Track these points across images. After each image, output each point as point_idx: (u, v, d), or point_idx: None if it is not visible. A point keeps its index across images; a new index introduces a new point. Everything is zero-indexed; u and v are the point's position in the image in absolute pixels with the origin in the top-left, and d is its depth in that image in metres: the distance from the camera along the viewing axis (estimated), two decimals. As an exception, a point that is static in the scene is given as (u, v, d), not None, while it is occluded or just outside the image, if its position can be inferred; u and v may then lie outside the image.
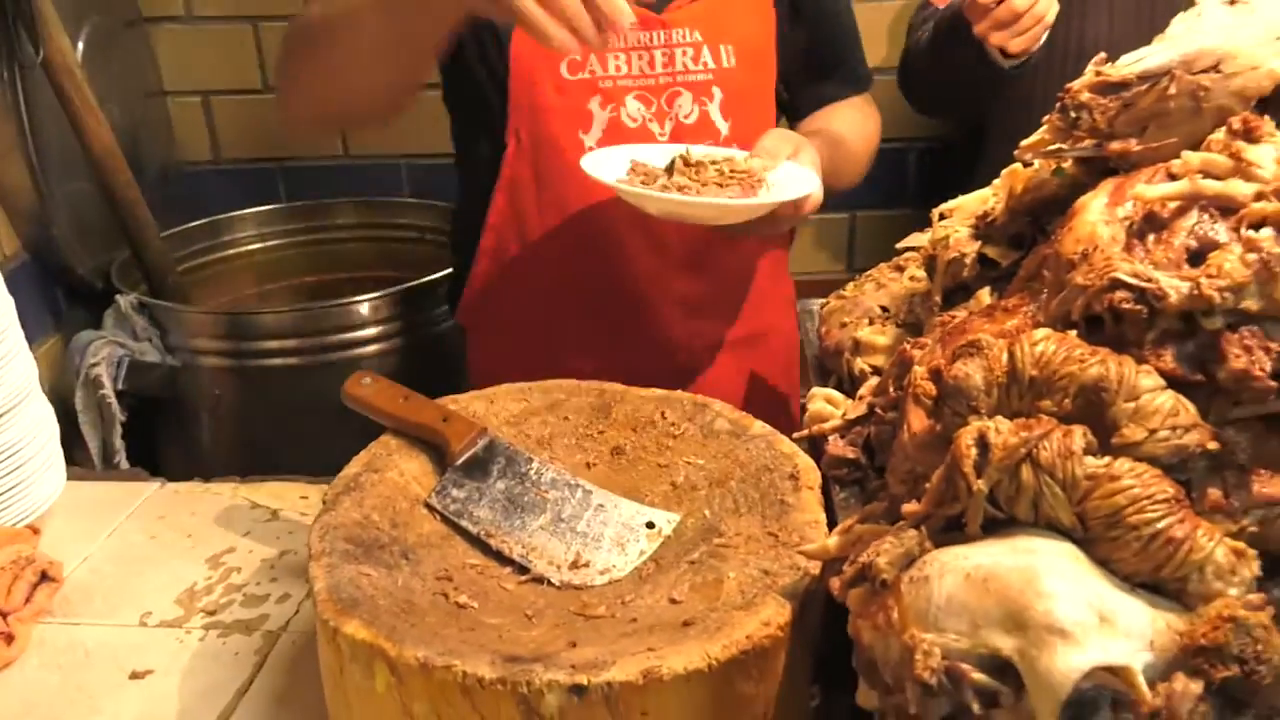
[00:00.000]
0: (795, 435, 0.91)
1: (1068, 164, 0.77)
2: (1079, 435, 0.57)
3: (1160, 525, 0.55)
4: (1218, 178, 0.64)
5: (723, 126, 1.32)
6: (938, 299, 0.88)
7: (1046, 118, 0.74)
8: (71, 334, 1.72)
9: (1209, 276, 0.59)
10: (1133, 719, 0.51)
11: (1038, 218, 0.83)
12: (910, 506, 0.63)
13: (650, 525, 0.86)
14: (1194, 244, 0.63)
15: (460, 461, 0.89)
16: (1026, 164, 0.82)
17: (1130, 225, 0.65)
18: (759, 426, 0.93)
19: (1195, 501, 0.58)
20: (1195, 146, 0.69)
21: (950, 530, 0.60)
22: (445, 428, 0.91)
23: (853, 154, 1.41)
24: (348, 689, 0.72)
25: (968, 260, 0.85)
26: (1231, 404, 0.59)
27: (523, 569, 0.83)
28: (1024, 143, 0.76)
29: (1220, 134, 0.67)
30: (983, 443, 0.59)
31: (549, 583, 0.81)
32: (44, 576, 0.98)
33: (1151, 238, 0.64)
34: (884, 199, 2.22)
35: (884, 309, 1.02)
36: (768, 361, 1.49)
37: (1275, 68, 0.68)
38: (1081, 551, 0.56)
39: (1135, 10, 1.69)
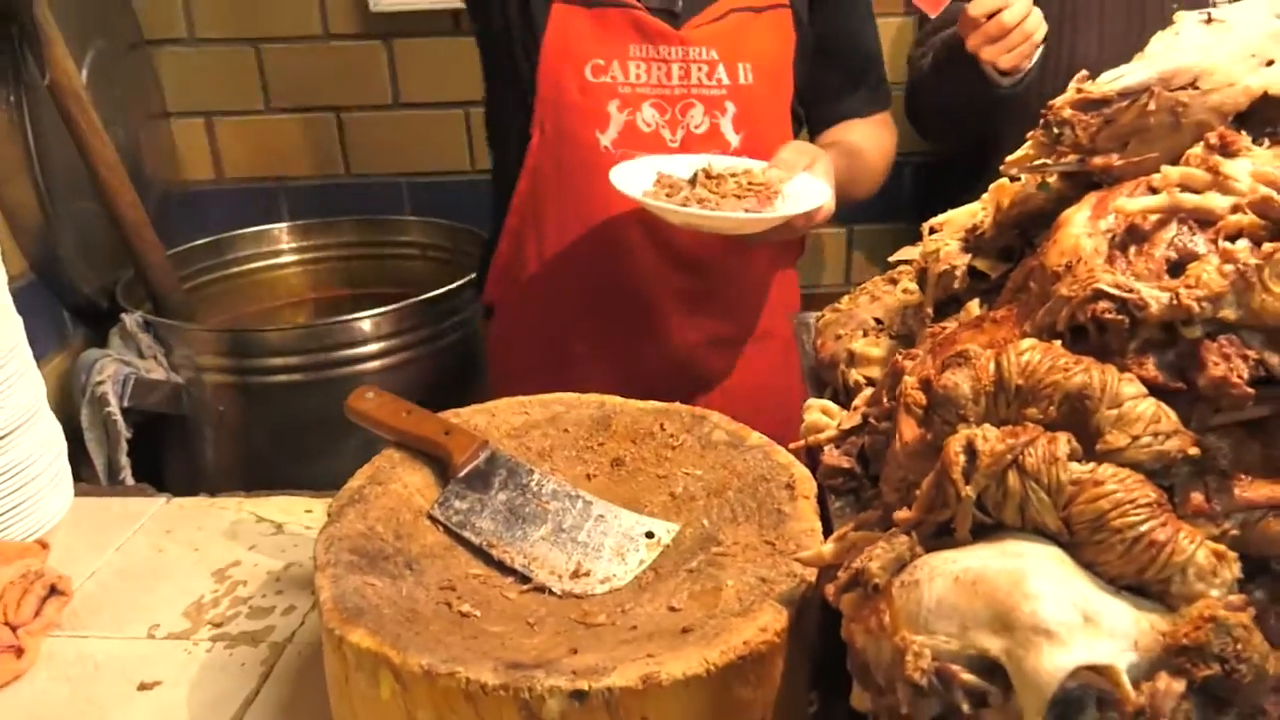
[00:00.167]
0: (791, 446, 0.93)
1: (1052, 178, 0.79)
2: (1063, 442, 0.59)
3: (1143, 529, 0.56)
4: (1196, 191, 0.66)
5: (733, 139, 1.41)
6: (929, 311, 0.90)
7: (1031, 134, 0.76)
8: (77, 352, 1.73)
9: (1188, 287, 0.61)
10: (1118, 718, 0.53)
11: (1025, 231, 0.85)
12: (902, 513, 0.64)
13: (650, 535, 0.87)
14: (1174, 255, 0.65)
15: (462, 474, 0.91)
16: (1013, 179, 0.84)
17: (1112, 238, 0.67)
18: (756, 437, 0.95)
19: (1178, 506, 0.60)
20: (1175, 161, 0.70)
21: (940, 536, 0.62)
22: (447, 441, 0.92)
23: (869, 167, 1.50)
24: (353, 697, 0.74)
25: (958, 273, 0.87)
26: (1212, 411, 0.61)
27: (524, 578, 0.84)
28: (1009, 158, 0.78)
29: (1199, 149, 0.69)
30: (971, 450, 0.60)
31: (550, 592, 0.83)
32: (53, 590, 0.99)
33: (1133, 250, 0.66)
34: (880, 213, 2.24)
35: (878, 321, 1.03)
36: (767, 362, 1.55)
37: (1251, 84, 0.70)
38: (1067, 555, 0.58)
39: (1125, 28, 1.73)
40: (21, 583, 0.97)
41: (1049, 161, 0.75)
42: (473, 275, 1.82)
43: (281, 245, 2.18)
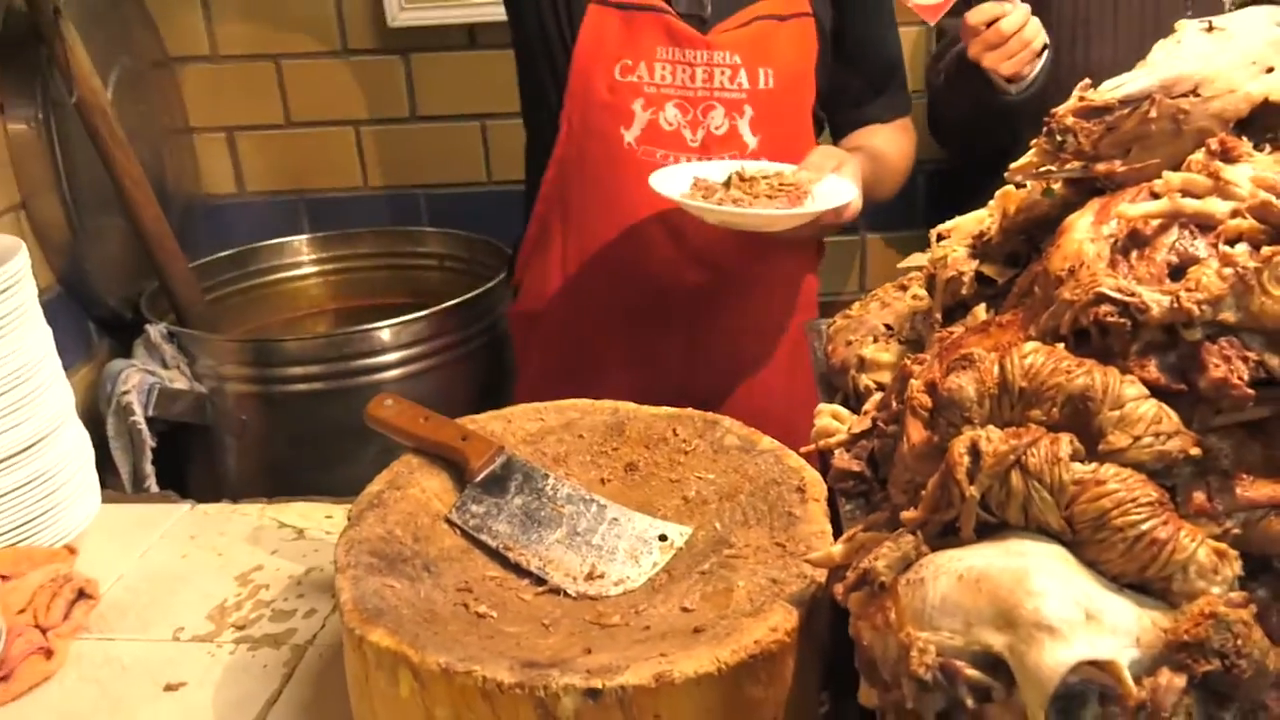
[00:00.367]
0: (803, 450, 0.94)
1: (1057, 185, 0.80)
2: (1066, 442, 0.60)
3: (1144, 527, 0.57)
4: (1197, 196, 0.67)
5: (751, 140, 1.48)
6: (938, 316, 0.91)
7: (1035, 141, 0.78)
8: (103, 363, 1.77)
9: (1188, 290, 0.62)
10: (1119, 712, 0.54)
11: (1032, 236, 0.86)
12: (908, 513, 0.66)
13: (663, 538, 0.89)
14: (1175, 259, 0.66)
15: (479, 478, 0.93)
16: (1019, 185, 0.85)
17: (1115, 242, 0.68)
18: (767, 442, 0.96)
19: (1180, 505, 0.61)
20: (1177, 167, 0.72)
21: (946, 535, 0.63)
22: (464, 446, 0.94)
23: (891, 170, 1.57)
24: (373, 695, 0.76)
25: (965, 278, 0.88)
26: (1213, 412, 0.62)
27: (540, 580, 0.86)
28: (1014, 165, 0.79)
29: (1200, 155, 0.70)
30: (975, 451, 0.62)
31: (565, 594, 0.85)
32: (81, 594, 1.02)
33: (1135, 254, 0.67)
34: (895, 220, 2.26)
35: (888, 327, 1.05)
36: (776, 358, 1.62)
37: (1251, 91, 0.71)
38: (1070, 553, 0.59)
39: (1139, 35, 1.74)
40: (51, 586, 1.00)
41: (1053, 168, 0.76)
42: (490, 285, 1.85)
43: (302, 257, 2.21)
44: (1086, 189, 0.78)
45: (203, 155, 2.29)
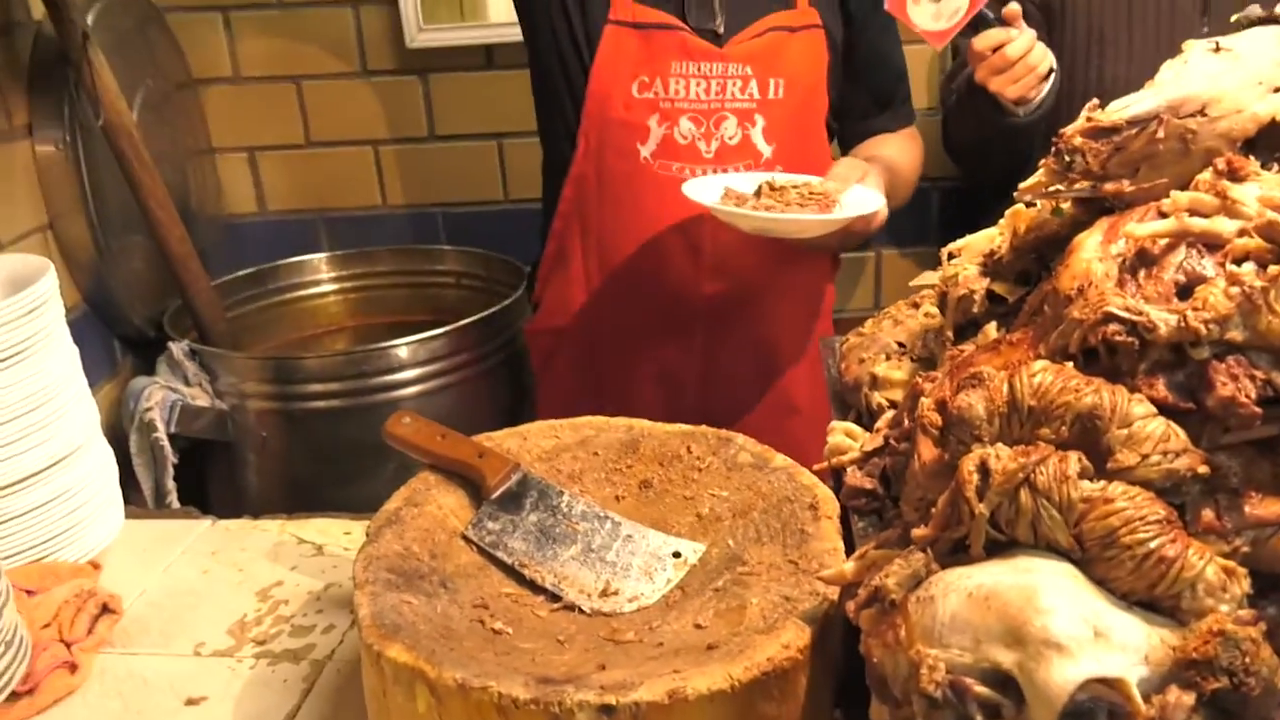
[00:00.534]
0: (816, 467, 0.95)
1: (1066, 204, 0.81)
2: (1074, 460, 0.61)
3: (1153, 545, 0.58)
4: (1205, 215, 0.68)
5: (765, 149, 1.51)
6: (949, 334, 0.92)
7: (1043, 161, 0.78)
8: (127, 380, 1.80)
9: (1195, 309, 0.62)
10: (1129, 729, 0.54)
11: (1042, 255, 0.87)
12: (919, 530, 0.66)
13: (677, 555, 0.90)
14: (1182, 279, 0.66)
15: (495, 495, 0.94)
16: (1029, 204, 0.86)
17: (1123, 262, 0.69)
18: (780, 459, 0.97)
19: (1190, 523, 0.61)
20: (1185, 186, 0.72)
21: (956, 552, 0.64)
22: (481, 463, 0.96)
23: (904, 179, 1.61)
24: (391, 710, 0.77)
25: (977, 297, 0.89)
26: (1222, 430, 0.62)
27: (555, 597, 0.87)
28: (1023, 185, 0.80)
29: (1208, 174, 0.71)
30: (984, 469, 0.62)
31: (580, 610, 0.85)
32: (105, 609, 1.03)
33: (1143, 273, 0.68)
34: (909, 237, 2.27)
35: (900, 345, 1.05)
36: (799, 369, 1.65)
37: (1259, 111, 0.72)
38: (1079, 571, 0.59)
39: (1154, 51, 1.74)
40: (75, 601, 1.02)
41: (1061, 188, 0.77)
42: (507, 302, 1.87)
43: (321, 275, 2.24)
44: (1096, 208, 0.79)
45: (225, 175, 2.33)
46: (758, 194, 1.37)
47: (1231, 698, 0.54)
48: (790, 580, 0.82)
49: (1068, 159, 0.75)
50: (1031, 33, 1.43)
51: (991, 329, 0.84)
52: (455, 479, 0.97)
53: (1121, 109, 0.75)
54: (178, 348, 1.76)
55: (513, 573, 0.89)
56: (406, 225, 2.35)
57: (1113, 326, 0.65)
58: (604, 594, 0.87)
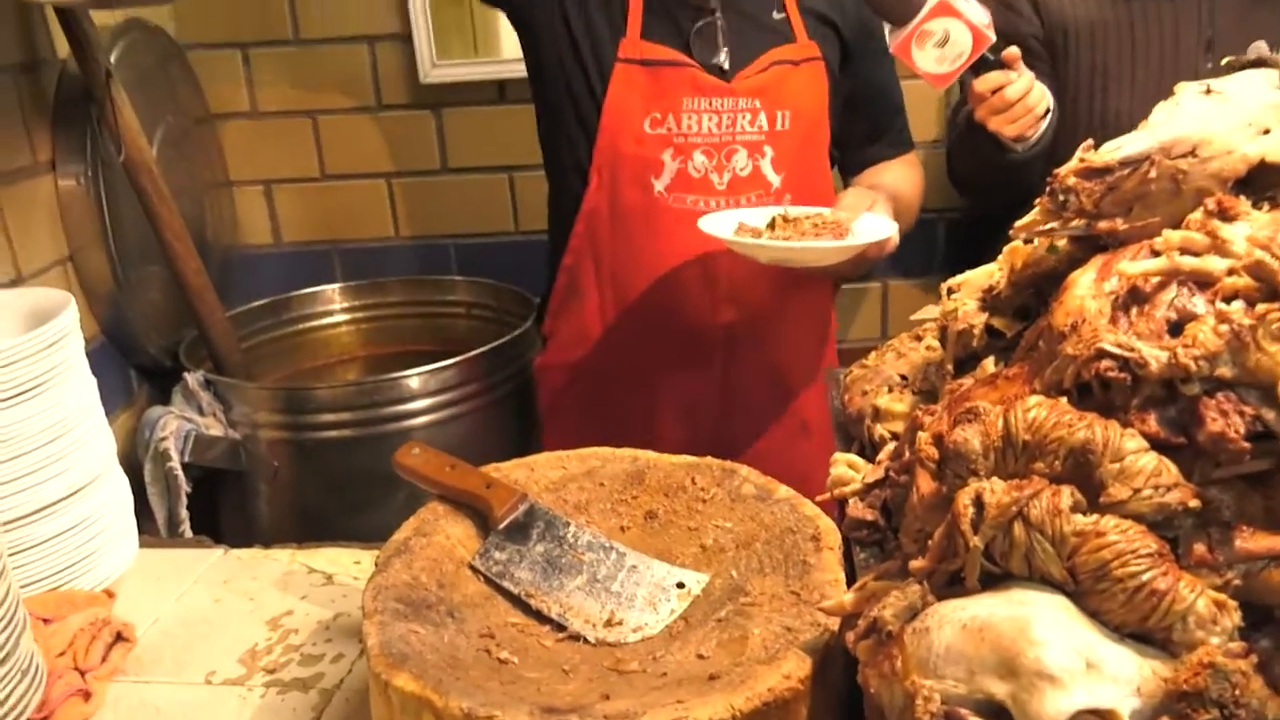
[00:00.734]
0: (818, 498, 0.96)
1: (1061, 242, 0.82)
2: (1067, 494, 0.62)
3: (1145, 578, 0.59)
4: (1195, 254, 0.69)
5: (774, 179, 1.55)
6: (949, 368, 0.93)
7: (1038, 200, 0.80)
8: (142, 409, 1.82)
9: (1186, 346, 0.64)
10: (1122, 761, 0.55)
11: (1040, 290, 0.88)
12: (916, 563, 0.67)
13: (680, 585, 0.91)
14: (1174, 316, 0.68)
15: (502, 526, 0.95)
16: (1027, 241, 0.88)
17: (1116, 299, 0.71)
18: (783, 490, 0.98)
19: (1182, 556, 0.62)
20: (1177, 225, 0.74)
21: (952, 584, 0.65)
22: (489, 494, 0.97)
23: (907, 205, 1.65)
24: (398, 739, 0.78)
25: (976, 331, 0.91)
26: (1213, 465, 0.63)
27: (560, 627, 0.88)
28: (1018, 223, 0.82)
29: (1199, 214, 0.72)
30: (979, 502, 0.64)
31: (585, 640, 0.87)
32: (119, 637, 1.05)
33: (1135, 310, 0.69)
34: (915, 268, 2.29)
35: (903, 377, 1.07)
36: (800, 386, 1.68)
37: (1248, 152, 0.74)
38: (1072, 603, 0.60)
39: (1157, 86, 1.77)
40: (90, 630, 1.03)
41: (1056, 226, 0.79)
42: (517, 333, 1.89)
43: (334, 305, 2.27)
44: (1091, 245, 0.81)
45: (241, 207, 2.37)
46: (771, 226, 1.41)
47: (1222, 730, 0.55)
48: (792, 611, 0.83)
49: (1062, 198, 0.77)
50: (1030, 75, 1.46)
51: (990, 363, 0.85)
52: (464, 509, 0.98)
53: (1115, 150, 0.77)
54: (193, 378, 1.78)
55: (519, 602, 0.91)
56: (419, 256, 2.38)
57: (1105, 362, 0.66)
58: (609, 624, 0.88)
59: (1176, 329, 0.67)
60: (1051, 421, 0.66)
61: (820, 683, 0.76)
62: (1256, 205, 0.74)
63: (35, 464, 1.06)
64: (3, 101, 1.60)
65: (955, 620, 0.60)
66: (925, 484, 0.73)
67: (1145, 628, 0.59)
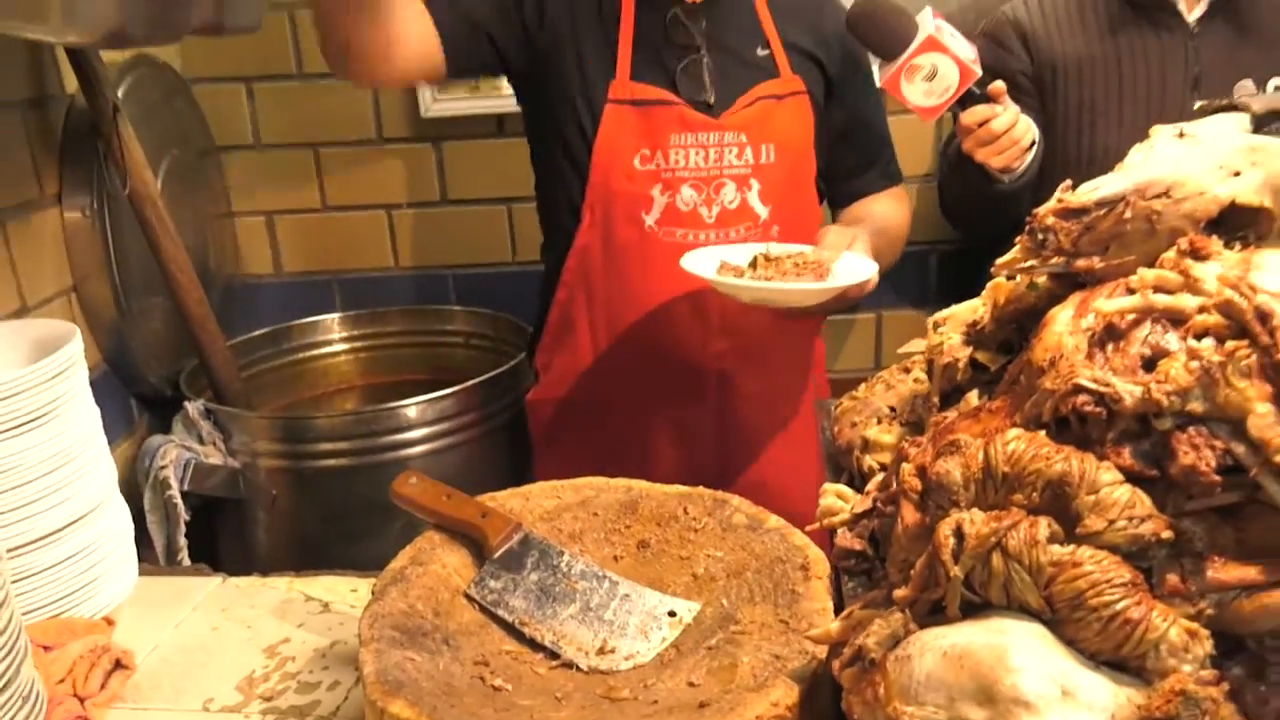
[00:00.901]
0: (808, 528, 0.98)
1: (1042, 279, 0.85)
2: (1044, 525, 0.64)
3: (1119, 607, 0.61)
4: (1169, 292, 0.72)
5: (761, 211, 1.58)
6: (935, 400, 0.95)
7: (1018, 239, 0.83)
8: (143, 438, 1.84)
9: (1158, 382, 0.66)
10: (1097, 786, 0.56)
11: (1022, 325, 0.91)
12: (899, 591, 0.69)
13: (672, 614, 0.92)
14: (1148, 352, 0.70)
15: (497, 555, 0.97)
16: (1010, 277, 0.90)
17: (1092, 335, 0.73)
18: (774, 520, 1.00)
19: (1156, 586, 0.64)
20: (1153, 263, 0.76)
21: (935, 613, 0.67)
22: (484, 523, 0.99)
23: (892, 238, 1.67)
24: (393, 765, 0.79)
25: (960, 365, 0.93)
26: (1186, 497, 0.65)
27: (554, 655, 0.90)
28: (999, 261, 0.84)
29: (1172, 253, 0.75)
30: (959, 533, 0.66)
31: (577, 668, 0.88)
32: (118, 664, 1.06)
33: (1111, 347, 0.71)
34: (908, 300, 2.32)
35: (891, 409, 1.09)
36: (790, 411, 1.71)
37: (1220, 193, 0.76)
38: (1049, 631, 0.62)
39: (1144, 121, 1.80)
40: (89, 657, 1.04)
41: (1036, 264, 0.81)
42: (514, 363, 1.91)
43: (333, 334, 2.29)
44: (1070, 281, 0.83)
45: (243, 237, 2.40)
46: (753, 265, 1.43)
47: (1194, 755, 0.56)
48: (781, 639, 0.85)
49: (1041, 237, 0.79)
50: (1015, 108, 1.49)
51: (973, 396, 0.87)
52: (460, 538, 1.00)
53: (1092, 191, 0.79)
54: (193, 407, 1.80)
55: (513, 631, 0.92)
56: (418, 286, 2.41)
57: (1082, 397, 0.68)
58: (601, 652, 0.89)
59: (1150, 365, 0.69)
60: (1030, 454, 0.68)
61: (808, 710, 0.78)
62: (1228, 245, 0.76)
63: (38, 492, 1.08)
64: (12, 136, 1.63)
65: (936, 648, 0.62)
66: (909, 515, 0.75)
67: (1120, 655, 0.60)
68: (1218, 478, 0.63)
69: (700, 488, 1.06)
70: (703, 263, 1.44)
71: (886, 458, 1.02)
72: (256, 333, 2.20)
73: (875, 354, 2.39)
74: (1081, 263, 0.79)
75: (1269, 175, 0.76)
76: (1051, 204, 0.80)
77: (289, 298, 2.39)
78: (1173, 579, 0.63)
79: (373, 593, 0.93)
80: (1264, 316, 0.64)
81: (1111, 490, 0.65)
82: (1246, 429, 0.63)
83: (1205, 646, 0.60)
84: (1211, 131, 0.81)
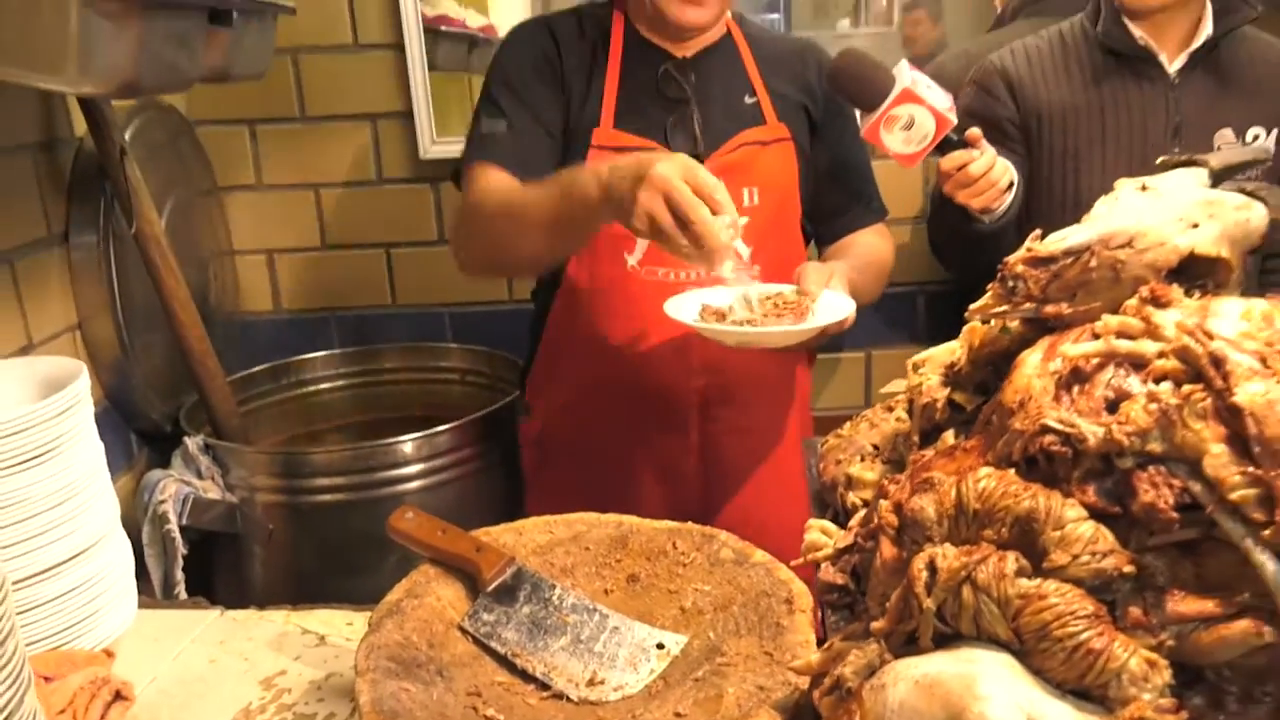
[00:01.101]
0: (793, 563, 1.01)
1: (1014, 323, 0.89)
2: (1012, 559, 0.67)
3: (1082, 638, 0.64)
4: (1131, 338, 0.76)
5: (744, 251, 1.61)
6: (915, 439, 0.99)
7: (990, 285, 0.87)
8: (142, 472, 1.86)
9: (1120, 423, 0.69)
10: (1062, 810, 0.59)
11: (998, 367, 0.94)
12: (876, 623, 0.72)
13: (660, 646, 0.95)
14: (1111, 395, 0.74)
15: (491, 588, 1.00)
16: (984, 321, 0.94)
17: (1059, 378, 0.76)
18: (760, 555, 1.03)
19: (1119, 619, 0.67)
20: (1117, 310, 0.80)
21: (909, 644, 0.70)
22: (478, 557, 1.02)
23: (875, 273, 1.71)
24: (387, 793, 0.81)
25: (939, 405, 0.96)
26: (1147, 533, 0.68)
27: (545, 686, 0.92)
28: (972, 306, 0.88)
29: (1135, 300, 0.79)
30: (932, 567, 0.69)
31: (568, 699, 0.91)
32: (117, 696, 1.07)
33: (1076, 389, 0.75)
34: (897, 339, 2.37)
35: (874, 447, 1.12)
36: (774, 447, 1.74)
37: (1180, 244, 0.80)
38: (1017, 661, 0.65)
39: (1126, 167, 1.86)
40: (90, 688, 1.06)
41: (1008, 309, 0.85)
42: (508, 399, 1.95)
43: (331, 371, 2.33)
44: (1041, 325, 0.87)
45: (243, 275, 2.44)
46: (734, 308, 1.46)
47: (1153, 781, 0.59)
48: (765, 671, 0.87)
49: (1011, 284, 0.83)
50: (992, 151, 1.54)
51: (950, 435, 0.91)
52: (454, 572, 1.03)
53: (1060, 241, 0.84)
54: (193, 442, 1.83)
55: (505, 662, 0.95)
56: (415, 324, 2.45)
57: (1049, 437, 0.72)
58: (591, 683, 0.92)
59: (1114, 407, 0.73)
60: (1000, 491, 0.71)
61: (790, 740, 0.80)
62: (1188, 293, 0.80)
63: (43, 526, 1.10)
64: (22, 178, 1.68)
65: (909, 677, 0.65)
66: (887, 549, 0.78)
67: (1083, 685, 0.63)
68: (1176, 515, 0.66)
69: (689, 523, 1.09)
70: (685, 308, 1.46)
71: (869, 494, 1.05)
72: (256, 369, 2.23)
73: (865, 392, 2.43)
74: (1050, 308, 0.83)
75: (1225, 227, 0.80)
76: (1021, 253, 0.84)
77: (288, 334, 2.43)
78: (1135, 611, 0.66)
79: (369, 624, 0.95)
80: (1218, 361, 0.68)
81: (1076, 526, 0.68)
82: (1202, 468, 0.66)
83: (1164, 676, 0.63)
84: (1172, 185, 0.86)
